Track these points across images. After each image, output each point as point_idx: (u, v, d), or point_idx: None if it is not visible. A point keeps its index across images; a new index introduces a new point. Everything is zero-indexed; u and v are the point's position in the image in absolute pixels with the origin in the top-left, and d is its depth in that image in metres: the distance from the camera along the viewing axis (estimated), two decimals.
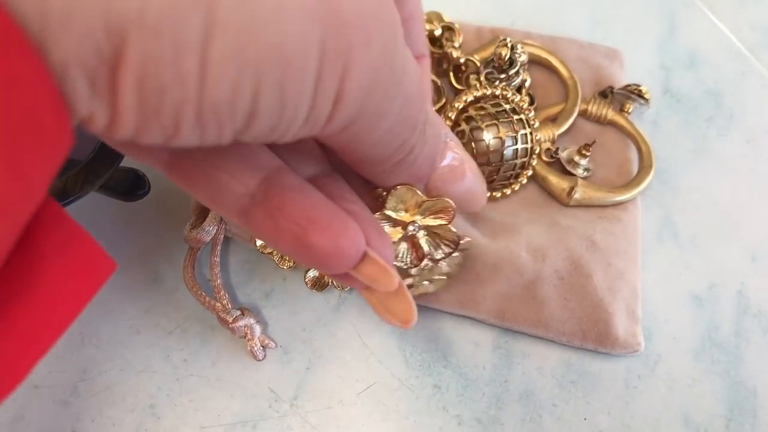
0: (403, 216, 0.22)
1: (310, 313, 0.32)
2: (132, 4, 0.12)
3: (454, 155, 0.22)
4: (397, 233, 0.23)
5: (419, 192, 0.21)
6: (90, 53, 0.12)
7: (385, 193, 0.22)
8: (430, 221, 0.23)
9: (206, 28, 0.13)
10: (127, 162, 0.31)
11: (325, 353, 0.31)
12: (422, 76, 0.18)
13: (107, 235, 0.32)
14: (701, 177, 0.37)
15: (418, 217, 0.23)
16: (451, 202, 0.22)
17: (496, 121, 0.32)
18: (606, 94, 0.36)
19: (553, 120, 0.36)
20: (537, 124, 0.34)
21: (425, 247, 0.24)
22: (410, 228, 0.23)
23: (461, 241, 0.25)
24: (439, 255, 0.24)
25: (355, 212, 0.20)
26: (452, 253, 0.24)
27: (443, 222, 0.23)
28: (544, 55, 0.37)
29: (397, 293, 0.21)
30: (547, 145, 0.35)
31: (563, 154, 0.35)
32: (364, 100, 0.16)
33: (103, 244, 0.32)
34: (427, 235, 0.23)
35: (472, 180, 0.23)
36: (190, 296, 0.31)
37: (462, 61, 0.35)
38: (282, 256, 0.31)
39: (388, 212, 0.22)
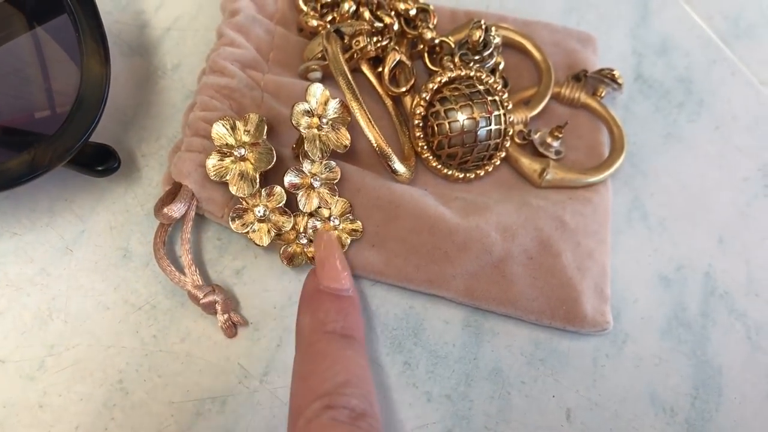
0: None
1: (282, 291, 0.32)
2: None
3: None
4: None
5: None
6: None
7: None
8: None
9: None
10: (98, 137, 0.30)
11: None
12: None
13: (76, 210, 0.32)
14: (671, 161, 0.38)
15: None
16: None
17: (470, 102, 0.32)
18: (579, 77, 0.37)
19: (526, 103, 0.36)
20: (510, 106, 0.34)
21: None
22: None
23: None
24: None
25: None
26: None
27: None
28: (517, 38, 0.37)
29: None
30: (520, 127, 0.35)
31: (536, 137, 0.35)
32: None
33: (72, 219, 0.32)
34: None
35: None
36: (159, 273, 0.31)
37: (437, 42, 0.35)
38: (259, 234, 0.30)
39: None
